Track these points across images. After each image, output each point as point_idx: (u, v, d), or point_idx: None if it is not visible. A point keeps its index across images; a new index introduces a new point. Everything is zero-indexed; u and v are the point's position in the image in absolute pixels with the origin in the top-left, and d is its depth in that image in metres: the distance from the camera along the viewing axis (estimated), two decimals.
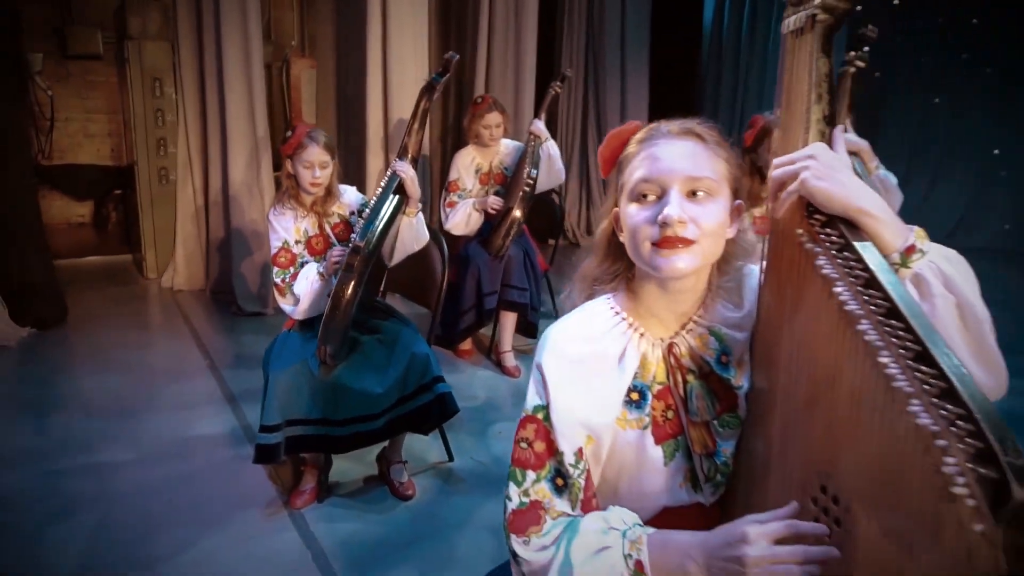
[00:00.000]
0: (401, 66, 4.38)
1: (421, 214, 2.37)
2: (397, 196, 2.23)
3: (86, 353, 3.55)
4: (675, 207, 0.87)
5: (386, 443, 2.36)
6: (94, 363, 3.40)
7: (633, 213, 0.92)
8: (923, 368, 0.66)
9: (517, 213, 3.29)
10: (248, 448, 2.45)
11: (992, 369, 0.81)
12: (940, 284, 0.81)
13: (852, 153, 2.16)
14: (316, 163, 2.24)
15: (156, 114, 4.79)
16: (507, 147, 3.55)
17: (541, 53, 6.16)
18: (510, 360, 3.43)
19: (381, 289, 2.66)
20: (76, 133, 6.49)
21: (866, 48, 2.21)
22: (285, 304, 2.28)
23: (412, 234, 2.35)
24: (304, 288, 2.23)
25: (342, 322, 2.05)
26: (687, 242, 0.88)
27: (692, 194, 0.90)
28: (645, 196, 0.92)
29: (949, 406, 0.62)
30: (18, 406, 2.96)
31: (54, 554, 1.96)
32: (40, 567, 1.91)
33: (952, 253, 0.84)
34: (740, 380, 0.96)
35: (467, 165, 3.52)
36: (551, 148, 3.49)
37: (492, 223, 3.38)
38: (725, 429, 0.96)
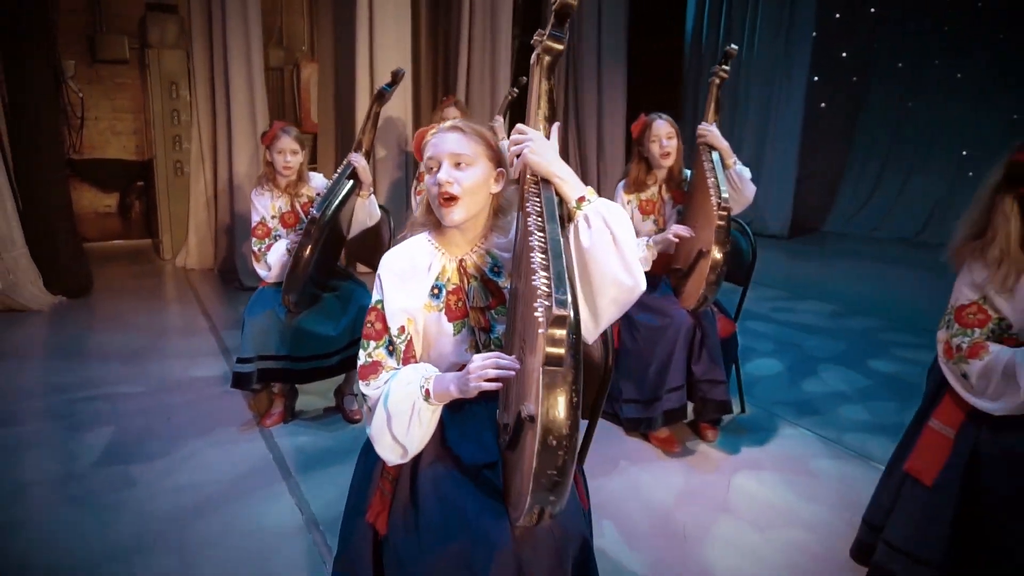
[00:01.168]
0: (386, 68, 4.92)
1: (373, 196, 2.93)
2: (351, 181, 2.79)
3: (107, 316, 4.17)
4: (443, 172, 1.42)
5: (342, 379, 2.92)
6: (113, 323, 4.02)
7: (427, 180, 1.47)
8: (542, 256, 1.18)
9: None
10: (238, 396, 3.04)
11: (634, 275, 1.32)
12: (600, 221, 1.32)
13: (714, 148, 2.67)
14: (287, 150, 2.80)
15: (172, 114, 5.42)
16: None
17: (528, 59, 6.71)
18: None
19: (342, 257, 3.22)
20: (105, 131, 7.15)
21: (728, 63, 2.70)
22: (260, 269, 2.85)
23: (365, 212, 2.90)
24: (274, 259, 2.79)
25: (301, 276, 2.61)
26: (455, 198, 1.42)
27: (456, 165, 1.44)
28: (431, 168, 1.47)
29: (545, 274, 1.15)
30: (48, 354, 3.58)
31: (77, 453, 2.54)
32: (66, 462, 2.49)
33: (613, 204, 1.36)
34: (506, 284, 1.50)
35: None
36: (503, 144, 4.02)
37: None
38: (499, 316, 1.50)
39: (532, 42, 1.44)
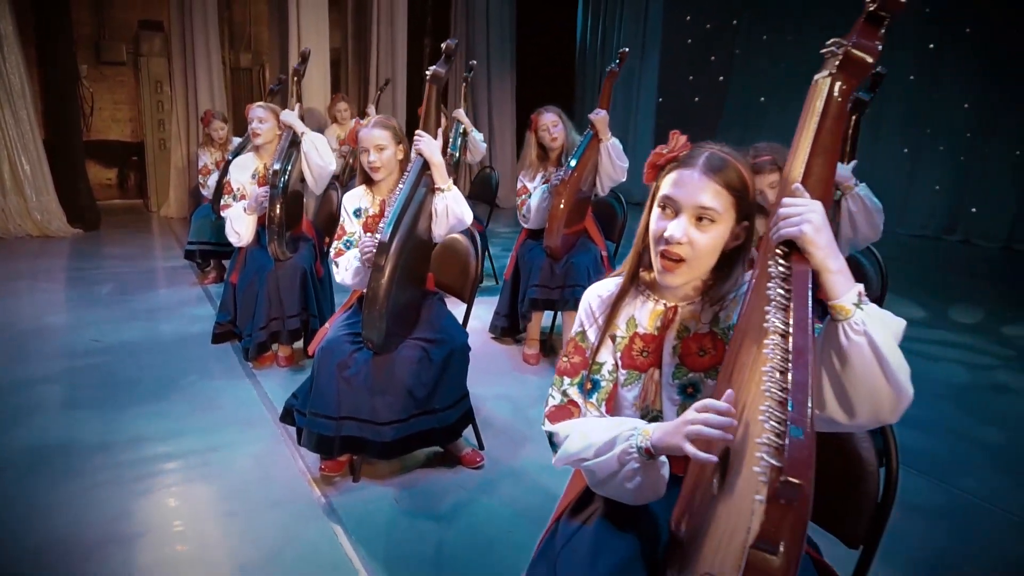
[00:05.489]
0: (309, 70, 6.86)
1: None
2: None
3: (112, 241, 6.17)
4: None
5: None
6: (116, 244, 6.01)
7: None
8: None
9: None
10: (190, 271, 5.03)
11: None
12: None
13: (459, 120, 4.63)
14: (213, 126, 4.79)
15: (158, 104, 7.39)
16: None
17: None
18: None
19: None
20: (107, 118, 9.10)
21: (471, 71, 4.65)
22: (204, 191, 4.84)
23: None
24: (211, 184, 4.78)
25: (219, 192, 4.58)
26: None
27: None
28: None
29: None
30: (72, 257, 5.57)
31: (96, 292, 4.51)
32: (89, 295, 4.45)
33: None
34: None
35: (333, 135, 6.05)
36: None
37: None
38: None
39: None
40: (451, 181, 2.36)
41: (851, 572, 1.20)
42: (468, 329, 2.51)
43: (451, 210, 2.34)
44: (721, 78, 10.67)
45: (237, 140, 4.97)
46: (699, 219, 1.15)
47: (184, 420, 2.79)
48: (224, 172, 4.56)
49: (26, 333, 3.74)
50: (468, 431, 2.56)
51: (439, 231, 2.39)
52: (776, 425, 0.83)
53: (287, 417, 2.57)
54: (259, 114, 3.42)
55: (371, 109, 5.99)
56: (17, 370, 3.23)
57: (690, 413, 0.99)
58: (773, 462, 0.81)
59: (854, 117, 2.50)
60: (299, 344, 3.42)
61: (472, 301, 2.54)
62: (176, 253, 5.76)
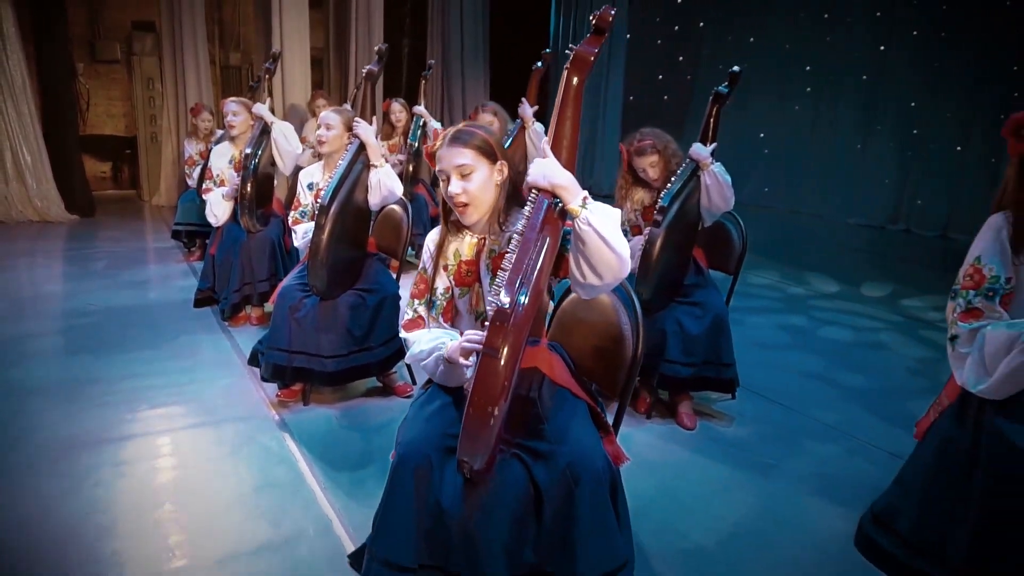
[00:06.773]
0: (291, 69, 7.38)
1: None
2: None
3: (107, 226, 6.67)
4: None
5: None
6: (110, 229, 6.51)
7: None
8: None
9: None
10: (177, 251, 5.53)
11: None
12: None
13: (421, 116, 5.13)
14: (202, 117, 5.29)
15: (150, 100, 7.89)
16: None
17: (419, 59, 9.20)
18: None
19: None
20: (102, 114, 9.58)
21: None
22: (189, 180, 5.33)
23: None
24: (195, 175, 5.28)
25: (203, 178, 5.08)
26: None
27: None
28: None
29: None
30: (70, 240, 6.06)
31: (92, 267, 5.00)
32: (84, 269, 4.95)
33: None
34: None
35: (312, 129, 6.55)
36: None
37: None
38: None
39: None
40: (383, 159, 2.87)
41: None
42: None
43: (383, 183, 2.85)
44: (689, 77, 11.19)
45: (221, 132, 5.48)
46: (462, 175, 1.61)
47: (166, 363, 3.29)
48: (208, 160, 5.07)
49: (25, 299, 4.24)
50: (404, 370, 3.08)
51: (374, 200, 2.90)
52: (501, 280, 1.33)
53: (253, 360, 3.06)
54: (232, 108, 3.94)
55: (347, 106, 6.47)
56: (19, 327, 3.73)
57: (464, 338, 1.50)
58: (492, 299, 1.32)
59: (715, 108, 2.90)
60: (269, 306, 3.91)
61: (404, 259, 3.05)
62: (165, 236, 6.26)
